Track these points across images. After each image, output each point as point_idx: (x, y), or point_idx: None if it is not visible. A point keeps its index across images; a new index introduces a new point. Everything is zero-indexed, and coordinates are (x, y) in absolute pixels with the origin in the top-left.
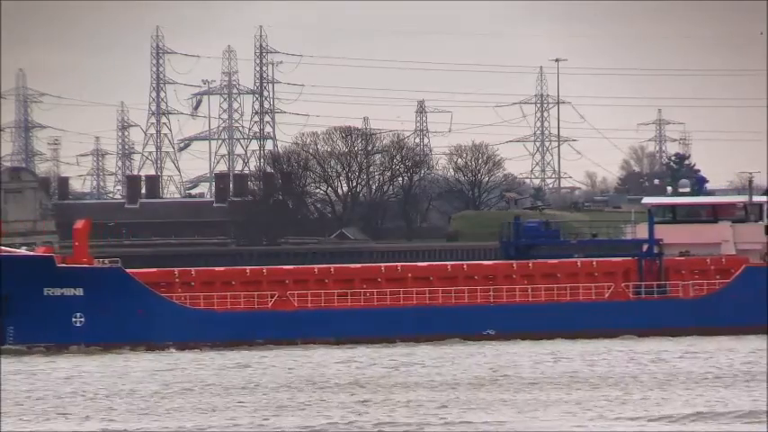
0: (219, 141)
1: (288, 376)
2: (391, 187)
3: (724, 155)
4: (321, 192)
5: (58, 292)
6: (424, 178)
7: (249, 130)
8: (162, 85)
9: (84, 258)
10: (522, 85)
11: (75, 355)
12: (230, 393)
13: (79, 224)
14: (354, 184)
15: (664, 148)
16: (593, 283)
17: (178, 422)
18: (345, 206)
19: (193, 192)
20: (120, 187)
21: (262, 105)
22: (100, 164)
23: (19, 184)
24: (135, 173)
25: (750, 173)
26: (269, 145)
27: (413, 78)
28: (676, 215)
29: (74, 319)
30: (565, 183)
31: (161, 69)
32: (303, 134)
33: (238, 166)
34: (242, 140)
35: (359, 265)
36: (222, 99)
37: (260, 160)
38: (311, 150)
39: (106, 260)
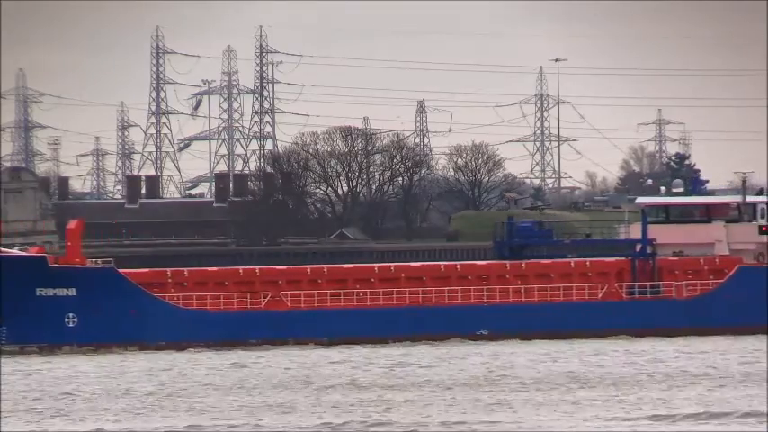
0: (219, 141)
1: (284, 376)
2: (391, 187)
3: (724, 155)
4: (321, 192)
5: (50, 292)
6: (424, 178)
7: (249, 130)
8: (162, 85)
9: (76, 258)
10: (522, 85)
11: (68, 354)
12: (229, 393)
13: (72, 224)
14: (354, 184)
15: (664, 148)
16: (586, 284)
17: (177, 422)
18: (345, 206)
19: (193, 192)
20: (120, 187)
21: (262, 105)
22: (100, 164)
23: (19, 184)
24: (135, 173)
25: (743, 173)
26: (269, 145)
27: (413, 78)
28: (670, 215)
29: (66, 320)
30: (565, 183)
31: (161, 69)
32: (303, 134)
33: (238, 166)
34: (242, 140)
35: (352, 266)
36: (222, 99)
37: (260, 160)
38: (311, 150)
39: (99, 260)
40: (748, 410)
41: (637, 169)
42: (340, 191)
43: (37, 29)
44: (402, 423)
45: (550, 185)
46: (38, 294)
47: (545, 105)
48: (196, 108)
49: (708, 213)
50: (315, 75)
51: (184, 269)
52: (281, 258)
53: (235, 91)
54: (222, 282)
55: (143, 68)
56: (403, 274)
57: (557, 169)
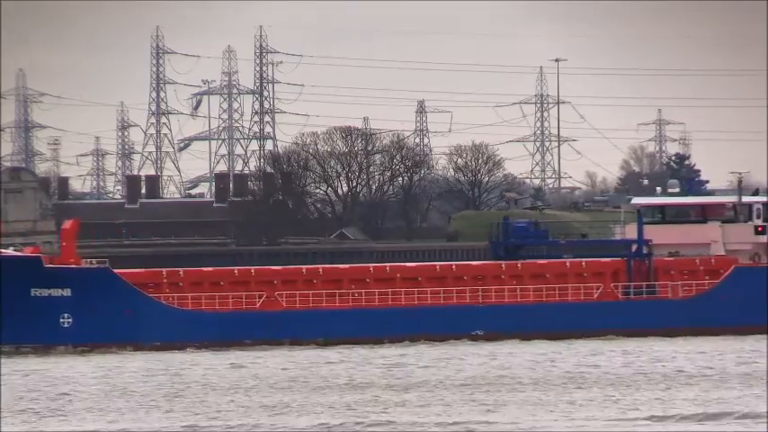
0: (219, 141)
1: (282, 376)
2: (391, 187)
3: (724, 155)
4: (321, 192)
5: (45, 292)
6: (424, 178)
7: (249, 130)
8: (162, 85)
9: (71, 259)
10: (522, 85)
11: (64, 355)
12: (227, 394)
13: (67, 224)
14: (354, 184)
15: (664, 149)
16: (581, 284)
17: (175, 422)
18: (345, 206)
19: (193, 192)
20: (120, 187)
21: (262, 105)
22: (100, 164)
23: (19, 184)
24: (135, 173)
25: (739, 173)
26: (269, 145)
27: (413, 78)
28: (665, 215)
29: (61, 320)
30: (565, 183)
31: (161, 69)
32: (303, 134)
33: (238, 166)
34: (242, 140)
35: (347, 266)
36: (222, 99)
37: (260, 160)
38: (311, 150)
39: (94, 260)
40: (747, 411)
41: (637, 169)
42: (340, 191)
43: (37, 29)
44: (400, 423)
45: (550, 185)
46: (33, 295)
47: (545, 105)
48: (196, 108)
49: (703, 213)
50: (315, 75)
51: (179, 269)
52: (281, 258)
53: (235, 91)
54: (217, 282)
55: (143, 68)
56: (398, 275)
57: (557, 169)
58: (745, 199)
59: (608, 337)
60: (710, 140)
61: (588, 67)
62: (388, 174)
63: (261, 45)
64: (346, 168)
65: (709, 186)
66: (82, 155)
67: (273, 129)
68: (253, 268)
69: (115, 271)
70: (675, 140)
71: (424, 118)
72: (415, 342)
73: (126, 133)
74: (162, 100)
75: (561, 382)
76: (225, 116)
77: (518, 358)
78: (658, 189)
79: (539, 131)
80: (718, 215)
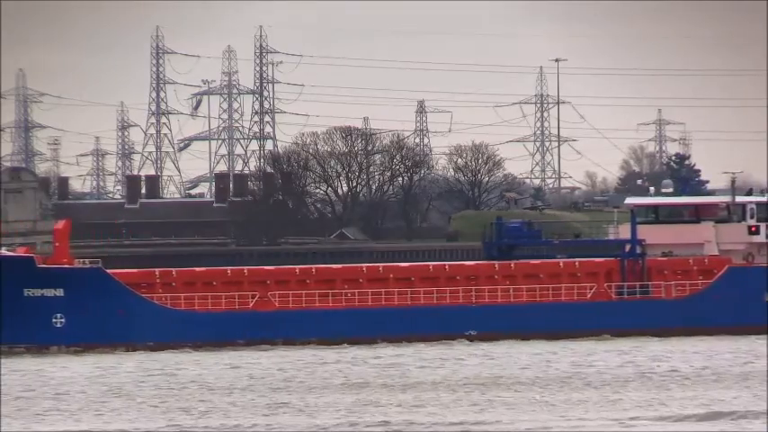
0: (219, 141)
1: (278, 377)
2: (391, 187)
3: (724, 155)
4: (321, 192)
5: (38, 292)
6: (424, 178)
7: (249, 130)
8: (162, 85)
9: (64, 259)
10: (522, 85)
11: (57, 355)
12: (223, 393)
13: (60, 225)
14: (354, 184)
15: (664, 149)
16: (575, 284)
17: (172, 422)
18: (345, 206)
19: (193, 192)
20: (120, 187)
21: (262, 105)
22: (100, 164)
23: (19, 184)
24: (135, 173)
25: (732, 173)
26: (269, 145)
27: (413, 78)
28: (659, 215)
29: (54, 320)
30: (565, 183)
31: (161, 69)
32: (303, 134)
33: (238, 167)
34: (242, 140)
35: (340, 266)
36: (222, 99)
37: (260, 160)
38: (311, 150)
39: (87, 260)
40: (746, 411)
41: (637, 169)
42: (340, 191)
43: (37, 29)
44: (396, 423)
45: (550, 185)
46: (26, 295)
47: (545, 105)
48: (196, 108)
49: (697, 214)
50: (315, 75)
51: (172, 269)
52: (281, 258)
53: (235, 91)
54: (210, 282)
55: (143, 68)
56: (391, 275)
57: (557, 169)
58: (739, 199)
59: (601, 338)
60: (710, 140)
61: (588, 67)
62: (388, 174)
63: (261, 45)
64: (346, 168)
65: (709, 186)
66: (82, 155)
67: (273, 129)
68: (246, 268)
69: (108, 271)
70: (675, 140)
71: (424, 118)
72: (409, 342)
73: (126, 133)
74: (162, 100)
75: (558, 382)
76: (225, 116)
77: (513, 358)
78: (652, 189)
79: (539, 131)
80: (711, 215)
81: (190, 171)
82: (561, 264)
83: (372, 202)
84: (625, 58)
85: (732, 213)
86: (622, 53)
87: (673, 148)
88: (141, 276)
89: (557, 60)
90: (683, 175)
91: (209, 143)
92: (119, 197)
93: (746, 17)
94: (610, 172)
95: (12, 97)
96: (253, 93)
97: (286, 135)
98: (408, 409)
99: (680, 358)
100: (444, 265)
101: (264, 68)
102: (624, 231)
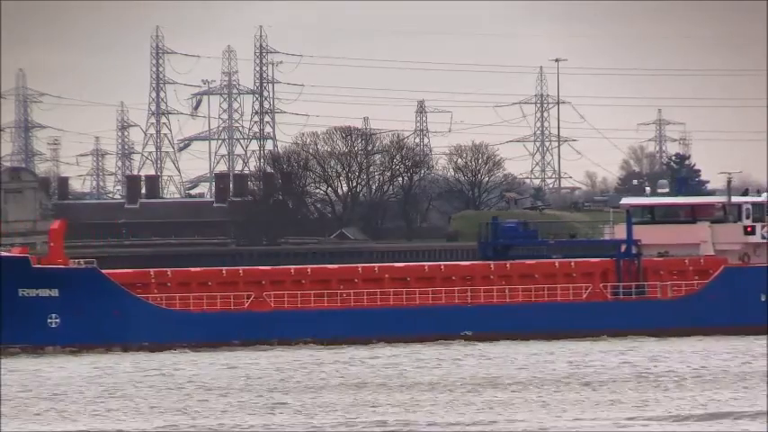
0: (219, 141)
1: (276, 377)
2: (391, 187)
3: (724, 155)
4: (321, 192)
5: (33, 292)
6: (424, 178)
7: (249, 130)
8: (162, 85)
9: (59, 259)
10: (522, 85)
11: (53, 355)
12: (220, 393)
13: (55, 225)
14: (354, 184)
15: (664, 149)
16: (570, 284)
17: (169, 422)
18: (345, 206)
19: (193, 192)
20: (119, 187)
21: (262, 105)
22: (100, 164)
23: (19, 184)
24: (135, 173)
25: (729, 173)
26: (269, 145)
27: (413, 78)
28: (655, 216)
29: (49, 320)
30: (565, 183)
31: (161, 69)
32: (303, 134)
33: (238, 167)
34: (242, 140)
35: (335, 266)
36: (222, 99)
37: (260, 160)
38: (311, 150)
39: (82, 261)
40: (744, 411)
41: (637, 169)
42: (340, 191)
43: (37, 29)
44: (393, 423)
45: (550, 185)
46: (20, 295)
47: (545, 105)
48: (196, 108)
49: (693, 214)
50: (315, 75)
51: (167, 270)
52: (281, 258)
53: (235, 91)
54: (205, 282)
55: (143, 68)
56: (387, 275)
57: (557, 169)
58: (735, 199)
59: (597, 338)
60: (710, 140)
61: (588, 67)
62: (388, 174)
63: (261, 45)
64: (346, 168)
65: (709, 186)
66: (82, 155)
67: (273, 129)
68: (241, 269)
69: (103, 271)
70: (675, 140)
71: (424, 118)
72: (404, 342)
73: (126, 133)
74: (162, 100)
75: (555, 381)
76: (225, 116)
77: (509, 359)
78: (647, 189)
79: (539, 131)
80: (707, 215)
81: (190, 171)
82: (557, 264)
83: (372, 202)
84: (625, 58)
85: (728, 213)
86: (622, 53)
87: (673, 148)
88: (136, 276)
89: (557, 60)
90: (683, 175)
91: (209, 143)
92: (119, 197)
93: (746, 17)
94: (610, 172)
95: (12, 97)
96: (253, 93)
97: (286, 135)
98: (406, 409)
99: (677, 358)
100: (440, 265)
101: (264, 68)
102: (620, 231)
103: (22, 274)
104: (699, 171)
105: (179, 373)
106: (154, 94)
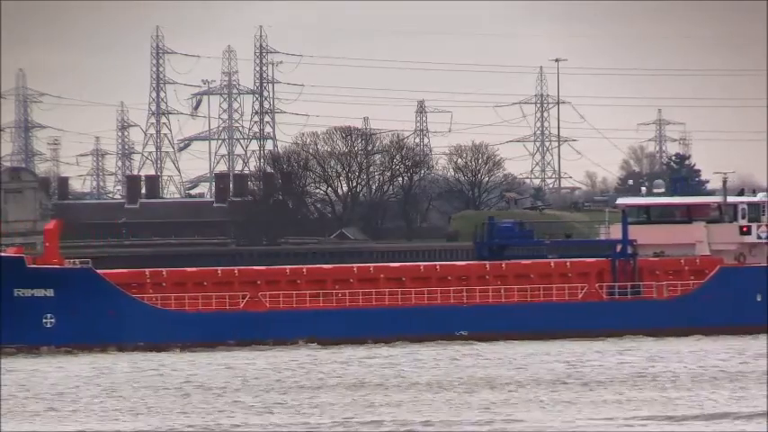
0: (219, 141)
1: (274, 377)
2: (391, 187)
3: (724, 155)
4: (321, 192)
5: (28, 292)
6: (424, 178)
7: (249, 130)
8: (162, 85)
9: (54, 259)
10: (522, 85)
11: (49, 355)
12: (218, 393)
13: (50, 225)
14: (354, 184)
15: (664, 149)
16: (566, 284)
17: (167, 422)
18: (345, 206)
19: (193, 192)
20: (120, 187)
21: (262, 105)
22: (100, 164)
23: (19, 184)
24: (135, 173)
25: (724, 173)
26: (269, 145)
27: (413, 78)
28: (650, 216)
29: (44, 320)
30: (565, 183)
31: (161, 69)
32: (303, 134)
33: (238, 167)
34: (242, 140)
35: (331, 266)
36: (222, 99)
37: (260, 160)
38: (311, 150)
39: (77, 261)
40: (744, 411)
41: (637, 169)
42: (340, 191)
43: (37, 29)
44: (391, 423)
45: (550, 185)
46: (15, 295)
47: (545, 105)
48: (196, 108)
49: (689, 214)
50: (315, 75)
51: (163, 269)
52: (281, 258)
53: (235, 91)
54: (201, 282)
55: (143, 68)
56: (382, 275)
57: (557, 169)
58: (730, 199)
59: (593, 338)
60: (710, 140)
61: (588, 67)
62: (388, 174)
63: (261, 45)
64: (346, 168)
65: (709, 186)
66: (82, 155)
67: (273, 129)
68: (236, 269)
69: (98, 271)
70: (675, 140)
71: (424, 118)
72: (400, 342)
73: (126, 133)
74: (162, 100)
75: (553, 381)
76: (225, 116)
77: (506, 359)
78: (643, 189)
79: (539, 131)
80: (703, 215)
81: (190, 171)
82: (552, 264)
83: (372, 202)
84: (625, 58)
85: (723, 213)
86: (622, 53)
87: (673, 148)
88: (132, 276)
89: (557, 60)
90: (683, 176)
91: (209, 143)
92: (119, 197)
93: (746, 17)
94: (610, 172)
95: (12, 97)
96: (253, 93)
97: (286, 135)
98: (403, 409)
99: (674, 358)
100: (435, 265)
101: (264, 68)
102: (616, 231)
103: (18, 274)
104: (699, 171)
105: (177, 374)
106: (154, 94)
